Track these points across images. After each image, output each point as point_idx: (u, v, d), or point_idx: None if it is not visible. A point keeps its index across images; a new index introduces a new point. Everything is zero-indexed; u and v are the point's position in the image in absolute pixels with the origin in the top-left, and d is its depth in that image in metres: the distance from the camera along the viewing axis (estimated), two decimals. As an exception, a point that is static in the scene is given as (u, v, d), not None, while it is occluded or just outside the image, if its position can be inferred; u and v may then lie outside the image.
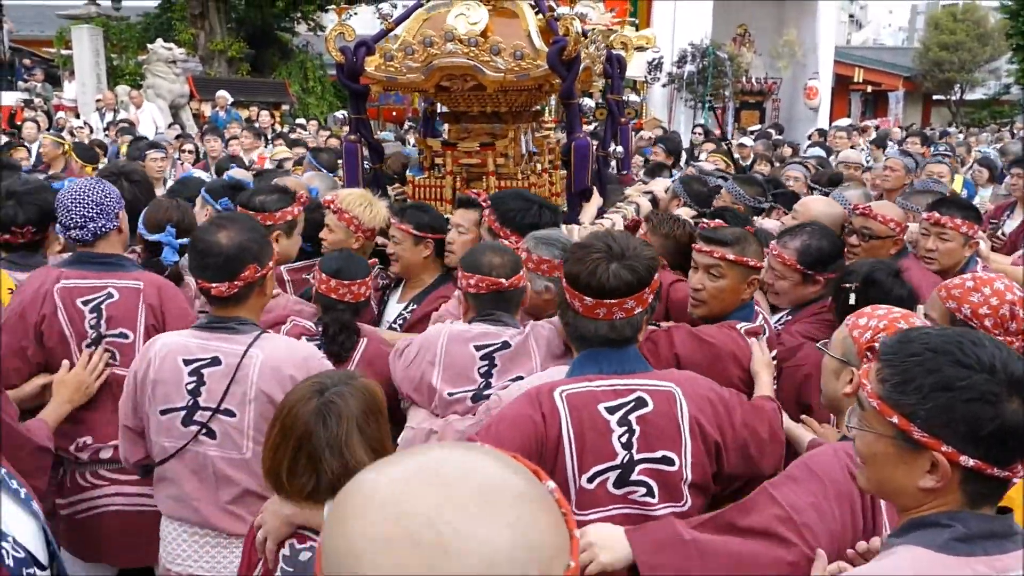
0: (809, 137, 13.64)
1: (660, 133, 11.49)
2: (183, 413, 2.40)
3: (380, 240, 3.61)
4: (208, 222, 2.57)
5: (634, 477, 2.03)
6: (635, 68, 15.77)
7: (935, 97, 30.93)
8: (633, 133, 12.06)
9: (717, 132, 16.50)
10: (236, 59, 20.19)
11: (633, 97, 4.62)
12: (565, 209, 3.88)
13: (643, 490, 2.04)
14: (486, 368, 2.65)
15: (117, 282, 2.86)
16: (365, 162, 4.08)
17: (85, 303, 2.82)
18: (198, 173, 5.78)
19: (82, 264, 2.88)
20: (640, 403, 2.06)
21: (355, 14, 16.99)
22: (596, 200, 3.97)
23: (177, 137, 11.79)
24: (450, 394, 2.65)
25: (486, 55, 3.46)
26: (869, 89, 29.30)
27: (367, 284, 2.99)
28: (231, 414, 2.39)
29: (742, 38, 21.26)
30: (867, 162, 9.28)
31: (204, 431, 2.40)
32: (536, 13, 3.74)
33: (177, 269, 3.27)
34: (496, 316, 2.73)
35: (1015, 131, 19.82)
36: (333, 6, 16.37)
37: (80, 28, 17.38)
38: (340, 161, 4.62)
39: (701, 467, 2.08)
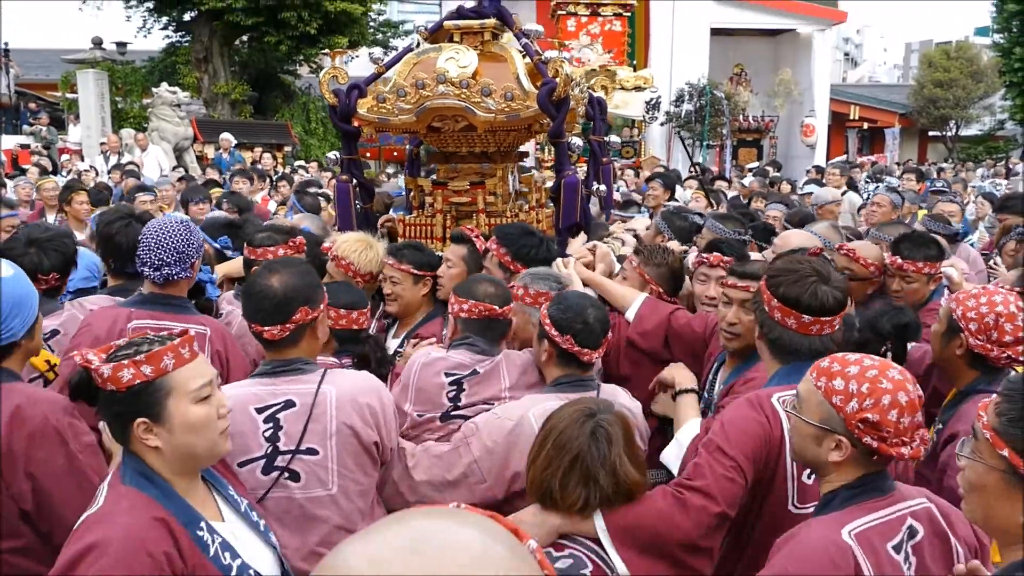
0: (807, 173, 13.79)
1: (660, 171, 11.62)
2: (263, 462, 2.38)
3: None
4: (262, 267, 2.59)
5: None
6: (633, 108, 15.98)
7: (931, 133, 31.21)
8: (633, 172, 12.23)
9: (715, 170, 16.67)
10: (239, 102, 20.47)
11: (613, 138, 4.67)
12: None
13: None
14: (454, 393, 2.77)
15: (184, 325, 2.86)
16: (357, 201, 4.15)
17: None
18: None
19: (152, 304, 2.94)
20: None
21: (356, 57, 17.25)
22: (580, 236, 4.08)
23: (180, 179, 11.95)
24: (419, 415, 2.77)
25: (477, 96, 3.57)
26: (865, 126, 29.60)
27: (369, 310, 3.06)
28: (314, 452, 2.38)
29: (739, 77, 21.56)
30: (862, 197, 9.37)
31: (287, 475, 2.38)
32: (524, 57, 3.86)
33: (216, 303, 3.45)
34: (473, 341, 2.85)
35: (1011, 166, 19.99)
36: (329, 50, 16.63)
37: (86, 72, 17.64)
38: (326, 203, 4.70)
39: None
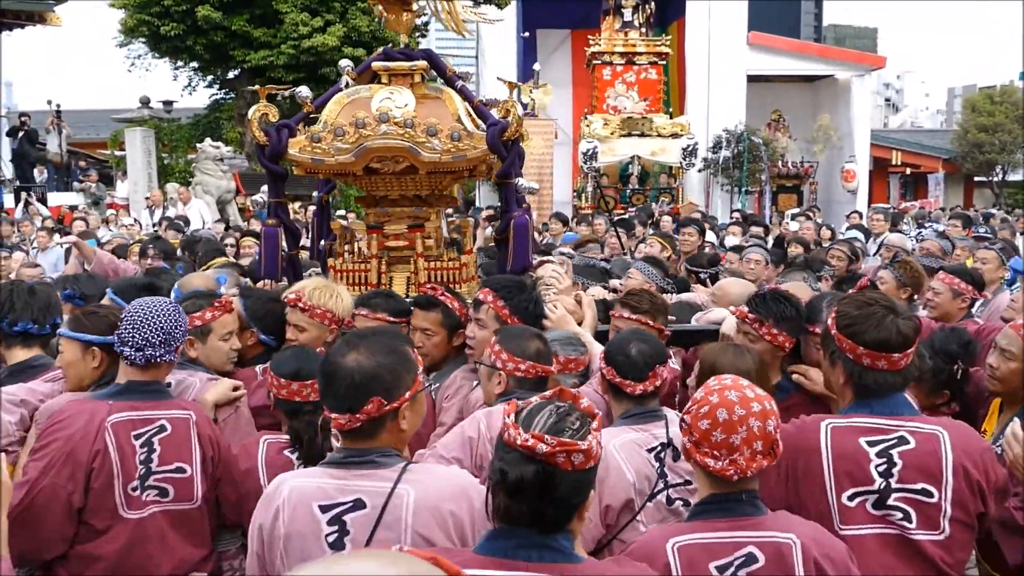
0: (848, 218, 13.56)
1: (698, 216, 11.54)
2: None
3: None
4: (342, 339, 2.22)
5: (891, 502, 2.30)
6: (670, 154, 15.98)
7: (976, 179, 30.70)
8: (670, 219, 12.14)
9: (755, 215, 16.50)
10: (281, 155, 20.80)
11: (531, 184, 4.44)
12: None
13: (900, 514, 2.30)
14: None
15: (168, 413, 2.69)
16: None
17: (137, 437, 2.61)
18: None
19: (131, 395, 2.67)
20: (902, 441, 2.34)
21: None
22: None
23: (226, 228, 12.13)
24: None
25: (422, 136, 3.46)
26: (908, 171, 29.23)
27: None
28: None
29: (776, 123, 21.44)
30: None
31: None
32: (463, 100, 3.78)
33: None
34: (520, 395, 2.76)
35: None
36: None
37: (133, 131, 18.15)
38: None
39: (963, 505, 2.31)
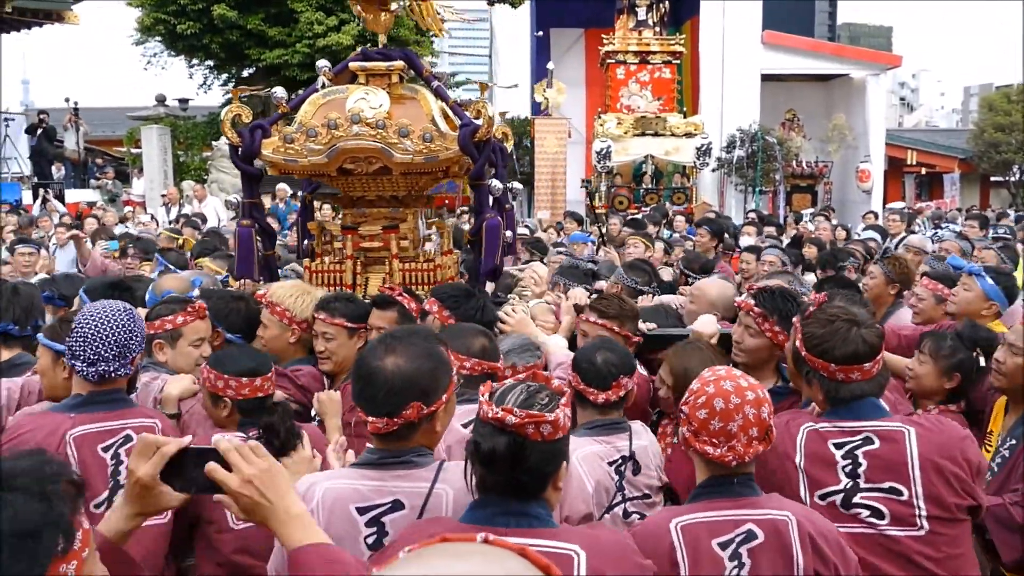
0: (864, 218, 13.52)
1: (712, 216, 11.53)
2: None
3: None
4: (377, 341, 2.14)
5: (857, 501, 2.35)
6: (684, 154, 15.95)
7: (993, 179, 30.48)
8: (684, 218, 12.14)
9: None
10: (296, 154, 20.85)
11: (515, 185, 4.37)
12: None
13: (867, 512, 2.34)
14: None
15: (133, 422, 2.58)
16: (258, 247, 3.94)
17: (105, 450, 2.50)
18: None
19: (92, 406, 2.54)
20: (867, 441, 2.40)
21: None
22: (489, 284, 3.98)
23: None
24: None
25: (394, 137, 3.46)
26: (923, 171, 29.05)
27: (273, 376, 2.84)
28: None
29: (791, 123, 21.36)
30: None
31: None
32: (438, 100, 3.78)
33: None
34: (470, 396, 2.65)
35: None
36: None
37: (149, 128, 18.27)
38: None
39: (937, 499, 2.33)
